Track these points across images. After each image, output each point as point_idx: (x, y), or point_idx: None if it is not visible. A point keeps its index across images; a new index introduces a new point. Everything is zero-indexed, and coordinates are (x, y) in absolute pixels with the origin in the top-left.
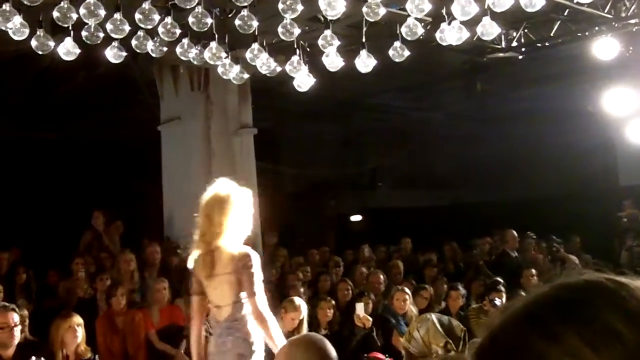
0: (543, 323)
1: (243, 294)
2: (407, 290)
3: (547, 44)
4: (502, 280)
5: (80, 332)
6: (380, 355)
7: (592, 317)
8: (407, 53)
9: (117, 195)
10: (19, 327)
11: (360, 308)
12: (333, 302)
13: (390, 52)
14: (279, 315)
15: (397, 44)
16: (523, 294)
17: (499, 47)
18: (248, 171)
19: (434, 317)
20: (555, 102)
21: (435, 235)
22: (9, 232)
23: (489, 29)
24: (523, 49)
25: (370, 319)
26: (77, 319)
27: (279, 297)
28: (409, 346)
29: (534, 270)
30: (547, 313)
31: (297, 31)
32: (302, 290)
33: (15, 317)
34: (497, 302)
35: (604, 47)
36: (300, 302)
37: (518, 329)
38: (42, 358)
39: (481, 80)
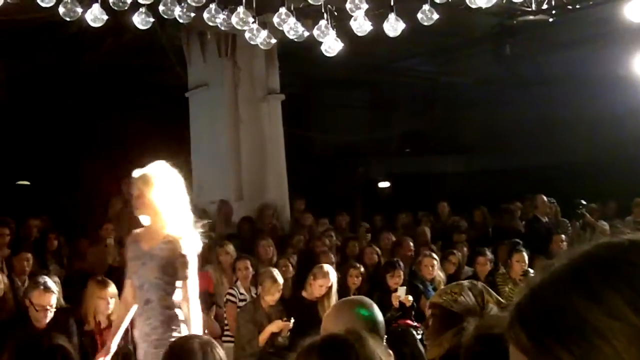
0: (584, 282)
1: None
2: (435, 255)
3: (578, 6)
4: (521, 241)
5: (114, 301)
6: (409, 321)
7: (635, 278)
8: (436, 16)
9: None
10: (54, 309)
11: (402, 291)
12: (362, 269)
13: (419, 16)
14: (308, 282)
15: (425, 7)
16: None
17: (529, 9)
18: (276, 137)
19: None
20: (586, 66)
21: (464, 200)
22: (40, 199)
23: None
24: (553, 12)
25: (411, 298)
26: (113, 288)
27: (308, 264)
28: (451, 304)
29: (563, 236)
30: (588, 272)
31: None
32: (331, 256)
33: (52, 300)
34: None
35: (636, 10)
36: (329, 268)
37: (559, 287)
38: (74, 323)
39: (510, 44)
